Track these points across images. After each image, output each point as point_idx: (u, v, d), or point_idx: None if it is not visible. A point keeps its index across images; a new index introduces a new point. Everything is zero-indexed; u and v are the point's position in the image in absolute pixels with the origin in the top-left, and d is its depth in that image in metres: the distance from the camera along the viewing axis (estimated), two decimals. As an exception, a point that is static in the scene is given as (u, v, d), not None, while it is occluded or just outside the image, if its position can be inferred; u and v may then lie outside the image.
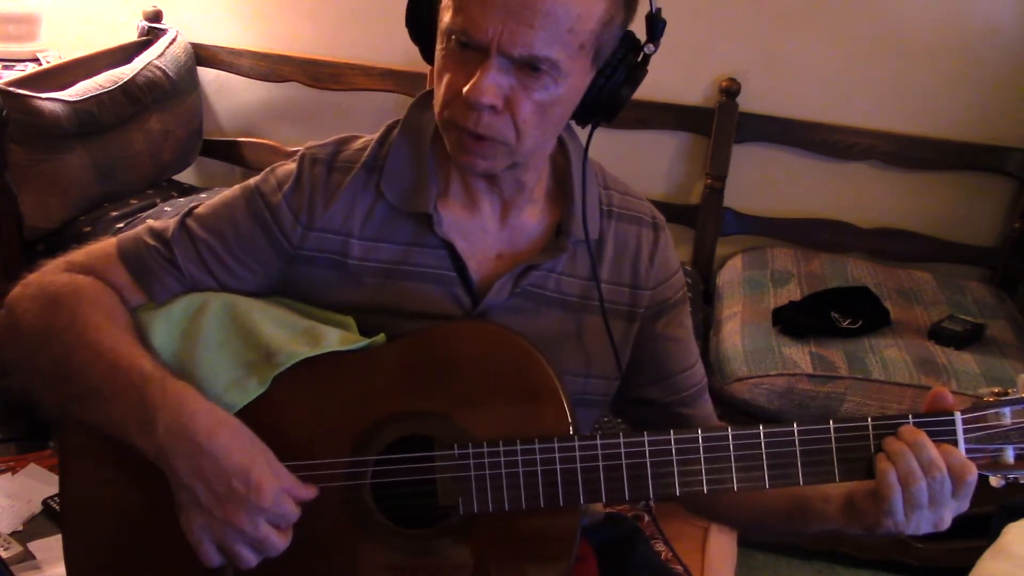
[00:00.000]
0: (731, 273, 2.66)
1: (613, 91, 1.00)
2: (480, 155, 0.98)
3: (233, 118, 3.03)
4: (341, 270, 1.06)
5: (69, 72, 2.54)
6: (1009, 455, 0.94)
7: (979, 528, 1.60)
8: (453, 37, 0.93)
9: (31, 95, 2.28)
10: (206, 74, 2.95)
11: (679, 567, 1.48)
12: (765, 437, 0.95)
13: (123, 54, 2.73)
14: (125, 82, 2.55)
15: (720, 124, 2.66)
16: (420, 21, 1.00)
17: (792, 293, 2.46)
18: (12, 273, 1.06)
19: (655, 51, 1.00)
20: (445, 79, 0.96)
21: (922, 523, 0.93)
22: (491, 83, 0.92)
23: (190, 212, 1.09)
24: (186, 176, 2.99)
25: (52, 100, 2.33)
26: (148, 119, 2.64)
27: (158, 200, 2.64)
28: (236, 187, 1.10)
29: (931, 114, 2.61)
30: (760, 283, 2.54)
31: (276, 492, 0.92)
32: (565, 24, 0.90)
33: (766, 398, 2.14)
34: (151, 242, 1.06)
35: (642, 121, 2.70)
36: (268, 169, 1.10)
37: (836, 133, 2.65)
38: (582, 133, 1.09)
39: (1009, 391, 0.96)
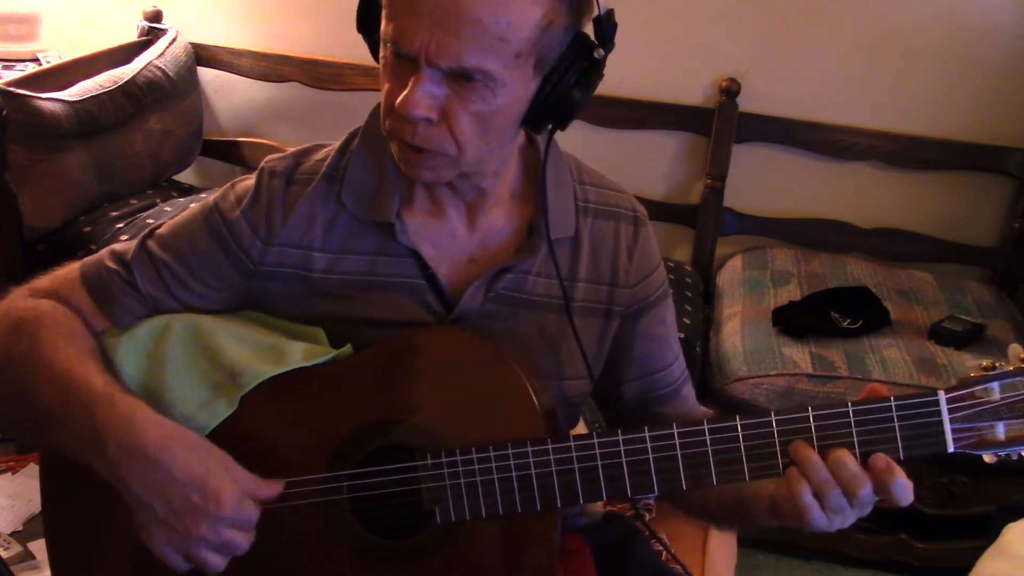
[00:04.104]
0: (731, 273, 2.66)
1: (561, 97, 0.94)
2: (423, 167, 0.95)
3: (233, 118, 3.03)
4: (305, 284, 1.04)
5: (69, 72, 2.54)
6: (1000, 431, 0.89)
7: (979, 528, 1.60)
8: (389, 46, 0.90)
9: (31, 95, 2.28)
10: (206, 74, 2.95)
11: (678, 567, 1.47)
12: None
13: (123, 54, 2.73)
14: (125, 82, 2.56)
15: (720, 124, 2.65)
16: (367, 24, 0.97)
17: (792, 293, 2.45)
18: (12, 273, 1.06)
19: (606, 55, 0.94)
20: (385, 89, 0.93)
21: (847, 519, 0.91)
22: (422, 95, 0.89)
23: (151, 233, 1.08)
24: (186, 176, 2.99)
25: (52, 100, 2.33)
26: (148, 119, 2.64)
27: (158, 200, 2.64)
28: (196, 204, 1.09)
29: (931, 114, 2.61)
30: (760, 283, 2.54)
31: (235, 500, 0.91)
32: (495, 32, 0.86)
33: (766, 398, 2.14)
34: (112, 265, 1.05)
35: (642, 121, 2.70)
36: (228, 184, 1.09)
37: (836, 133, 2.65)
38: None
39: (998, 364, 0.90)
